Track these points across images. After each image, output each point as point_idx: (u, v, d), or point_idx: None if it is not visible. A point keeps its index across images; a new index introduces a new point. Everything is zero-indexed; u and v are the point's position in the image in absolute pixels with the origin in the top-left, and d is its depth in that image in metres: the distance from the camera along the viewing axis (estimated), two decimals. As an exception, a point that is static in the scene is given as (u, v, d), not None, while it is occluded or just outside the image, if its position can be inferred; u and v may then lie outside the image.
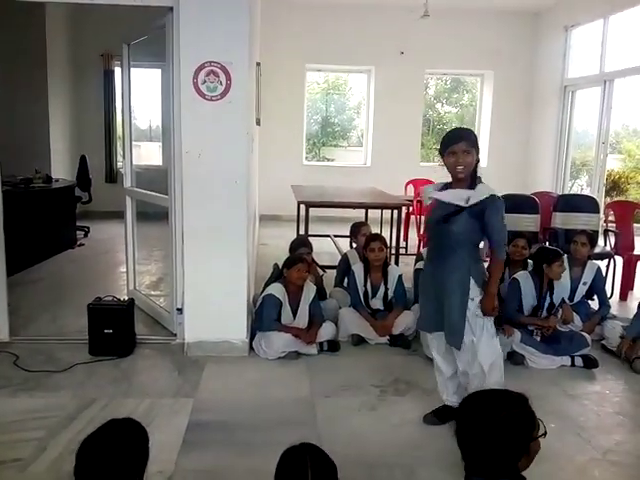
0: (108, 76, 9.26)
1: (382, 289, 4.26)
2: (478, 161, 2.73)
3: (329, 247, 6.61)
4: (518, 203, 5.77)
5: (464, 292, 2.72)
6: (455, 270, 2.73)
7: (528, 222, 5.62)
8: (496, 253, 2.75)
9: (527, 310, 3.97)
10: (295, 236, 5.33)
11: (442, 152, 2.71)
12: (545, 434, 1.55)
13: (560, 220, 5.75)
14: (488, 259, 2.86)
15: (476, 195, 2.66)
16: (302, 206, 5.30)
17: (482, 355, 2.75)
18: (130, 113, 4.62)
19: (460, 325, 2.74)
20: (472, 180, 2.72)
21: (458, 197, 2.67)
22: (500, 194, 6.24)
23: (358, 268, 4.32)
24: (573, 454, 2.78)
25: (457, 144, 2.64)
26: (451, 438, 1.64)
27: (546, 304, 3.96)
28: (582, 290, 4.45)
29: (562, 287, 4.06)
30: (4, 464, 2.52)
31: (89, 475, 1.47)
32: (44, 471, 2.50)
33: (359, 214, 6.70)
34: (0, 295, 3.93)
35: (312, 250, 4.59)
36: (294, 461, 1.57)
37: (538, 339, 3.90)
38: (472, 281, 2.72)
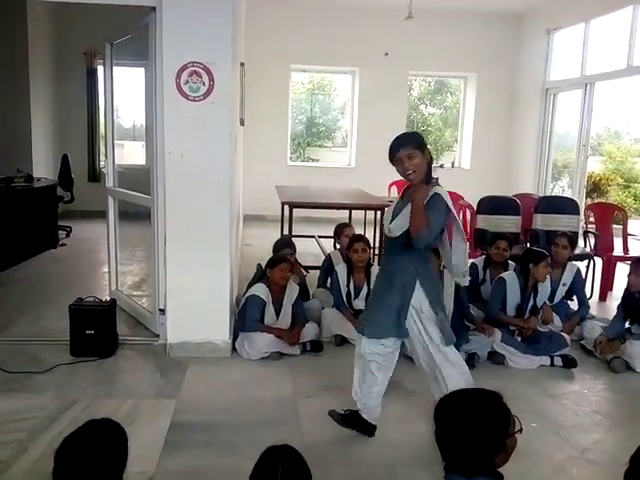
0: (91, 75, 9.18)
1: (365, 290, 4.28)
2: (430, 161, 2.67)
3: (313, 248, 6.62)
4: (500, 205, 5.85)
5: (406, 294, 2.67)
6: (403, 271, 2.68)
7: (509, 223, 5.69)
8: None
9: (511, 310, 4.02)
10: (279, 236, 5.34)
11: (391, 163, 2.66)
12: (521, 430, 1.58)
13: (541, 221, 5.82)
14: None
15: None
16: (286, 206, 5.31)
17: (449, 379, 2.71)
18: (112, 112, 4.60)
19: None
20: (428, 178, 2.66)
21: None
22: (483, 195, 6.32)
23: (341, 269, 4.35)
24: (552, 452, 2.82)
25: (398, 152, 2.60)
26: (431, 437, 1.66)
27: (529, 306, 4.01)
28: (562, 291, 4.51)
29: (545, 289, 4.12)
30: (-17, 466, 2.51)
31: (68, 476, 1.47)
32: (25, 472, 2.49)
33: (343, 215, 6.73)
34: (-20, 295, 3.90)
35: (296, 251, 4.61)
36: (265, 462, 1.58)
37: (519, 339, 3.95)
38: (418, 282, 2.66)
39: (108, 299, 4.10)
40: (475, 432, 1.50)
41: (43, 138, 8.74)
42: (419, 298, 2.66)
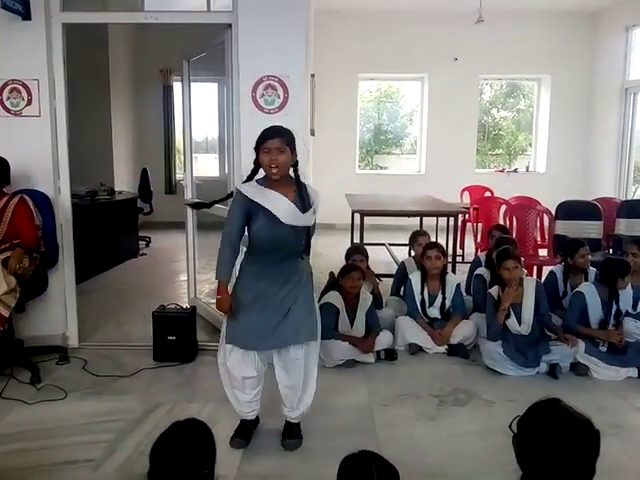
0: (167, 91, 9.57)
1: (440, 298, 4.23)
2: (296, 163, 2.61)
3: (384, 256, 6.59)
4: (580, 209, 5.64)
5: (309, 294, 2.72)
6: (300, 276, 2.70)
7: (591, 229, 5.47)
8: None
9: (595, 323, 3.86)
10: (349, 245, 5.36)
11: (256, 149, 2.56)
12: None
13: (624, 226, 5.57)
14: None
15: (313, 198, 2.64)
16: (357, 215, 5.32)
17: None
18: (190, 127, 4.77)
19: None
20: (297, 180, 2.62)
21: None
22: (561, 200, 6.13)
23: (415, 276, 4.31)
24: (642, 469, 2.69)
25: (272, 140, 2.49)
26: (511, 450, 1.62)
27: (613, 311, 3.83)
28: (645, 299, 4.28)
29: (626, 294, 3.93)
30: (77, 464, 2.65)
31: (164, 475, 1.54)
32: (114, 472, 2.61)
33: (414, 222, 6.67)
34: (70, 303, 4.13)
35: (367, 257, 4.59)
36: (358, 469, 1.58)
37: (604, 349, 3.78)
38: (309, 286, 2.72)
39: (188, 306, 4.24)
40: (564, 459, 1.46)
41: (123, 153, 9.16)
42: None
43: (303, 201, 2.61)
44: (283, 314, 2.65)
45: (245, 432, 2.87)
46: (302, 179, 2.66)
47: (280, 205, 2.55)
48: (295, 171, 2.64)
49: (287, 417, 2.88)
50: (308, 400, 2.84)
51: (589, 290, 3.90)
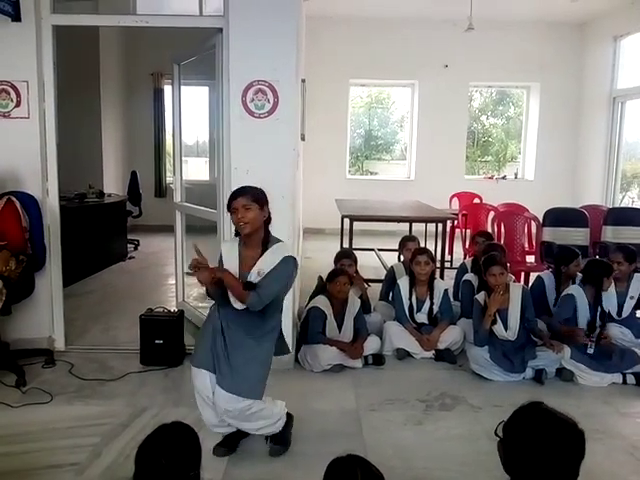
0: (157, 94, 9.55)
1: (427, 303, 4.25)
2: (268, 220, 2.67)
3: (374, 261, 6.61)
4: (567, 217, 5.70)
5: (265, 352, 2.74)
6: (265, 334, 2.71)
7: (577, 236, 5.52)
8: (249, 297, 2.54)
9: (583, 324, 3.89)
10: (339, 249, 5.36)
11: (228, 210, 2.64)
12: None
13: (610, 234, 5.63)
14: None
15: (268, 262, 2.61)
16: (346, 220, 5.34)
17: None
18: (180, 131, 4.77)
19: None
20: (265, 238, 2.66)
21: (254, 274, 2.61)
22: (549, 207, 6.17)
23: (404, 281, 4.33)
24: (626, 474, 2.71)
25: (236, 200, 2.58)
26: (497, 455, 1.63)
27: (598, 313, 3.88)
28: (630, 304, 4.29)
29: (609, 295, 4.00)
30: (62, 468, 2.64)
31: (150, 478, 1.54)
32: (99, 476, 2.60)
33: (403, 228, 6.69)
34: (57, 305, 4.10)
35: (356, 262, 4.61)
36: (344, 473, 1.59)
37: (591, 351, 3.80)
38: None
39: (176, 310, 4.23)
40: (549, 461, 1.47)
41: (113, 155, 9.13)
42: None
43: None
44: (233, 361, 2.64)
45: (230, 442, 2.84)
46: (271, 236, 2.69)
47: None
48: (266, 229, 2.67)
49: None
50: (268, 420, 2.76)
51: (578, 292, 3.94)
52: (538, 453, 1.48)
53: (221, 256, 2.74)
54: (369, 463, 1.63)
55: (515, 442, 1.55)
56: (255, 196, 2.61)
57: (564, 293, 4.06)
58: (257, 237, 2.65)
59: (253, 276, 2.60)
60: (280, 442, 2.83)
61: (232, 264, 2.67)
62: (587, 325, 3.87)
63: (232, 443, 2.85)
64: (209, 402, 2.70)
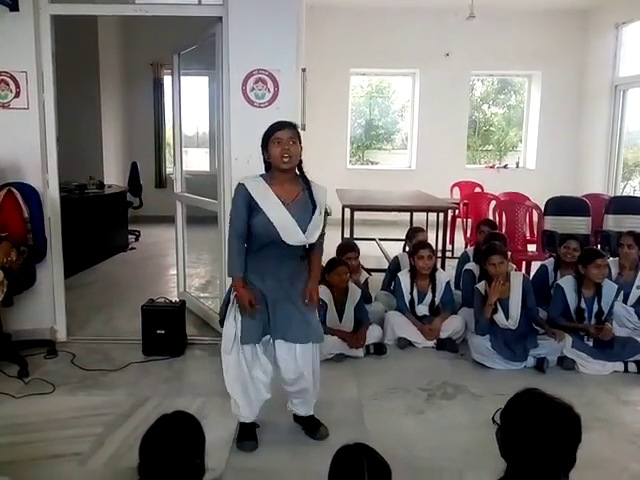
0: (157, 85, 9.51)
1: (429, 296, 4.24)
2: (301, 161, 2.60)
3: (375, 251, 6.61)
4: (569, 205, 5.69)
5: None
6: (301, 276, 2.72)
7: (579, 225, 5.51)
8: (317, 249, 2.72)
9: (572, 314, 3.89)
10: (340, 239, 5.36)
11: (265, 142, 2.53)
12: None
13: (612, 222, 5.62)
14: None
15: (320, 199, 2.62)
16: (347, 210, 5.33)
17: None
18: (180, 121, 4.75)
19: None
20: (302, 177, 2.62)
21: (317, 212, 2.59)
22: (550, 196, 6.17)
23: (404, 274, 4.31)
24: (627, 462, 2.71)
25: (282, 130, 2.49)
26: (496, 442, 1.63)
27: (594, 310, 3.87)
28: (636, 294, 4.30)
29: (609, 291, 3.90)
30: (65, 457, 2.65)
31: (154, 468, 1.54)
32: (102, 465, 2.61)
33: (404, 217, 6.68)
34: (59, 296, 4.10)
35: (359, 254, 4.59)
36: (350, 461, 1.59)
37: (590, 344, 3.81)
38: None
39: (177, 300, 4.23)
40: (546, 446, 1.47)
41: (113, 146, 9.10)
42: None
43: (307, 204, 2.58)
44: (289, 312, 2.63)
45: (250, 433, 2.80)
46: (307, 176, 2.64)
47: (279, 217, 2.52)
48: (300, 169, 2.63)
49: (298, 413, 2.87)
50: (315, 393, 2.85)
51: (567, 282, 3.93)
52: (534, 438, 1.49)
53: (247, 192, 2.53)
54: (375, 452, 1.63)
55: (511, 428, 1.55)
56: (298, 132, 2.56)
57: (555, 284, 4.04)
58: (292, 173, 2.59)
59: (316, 213, 2.58)
60: (320, 423, 2.87)
61: (271, 200, 2.53)
62: (575, 315, 3.86)
63: (252, 434, 2.80)
64: (257, 383, 2.69)
